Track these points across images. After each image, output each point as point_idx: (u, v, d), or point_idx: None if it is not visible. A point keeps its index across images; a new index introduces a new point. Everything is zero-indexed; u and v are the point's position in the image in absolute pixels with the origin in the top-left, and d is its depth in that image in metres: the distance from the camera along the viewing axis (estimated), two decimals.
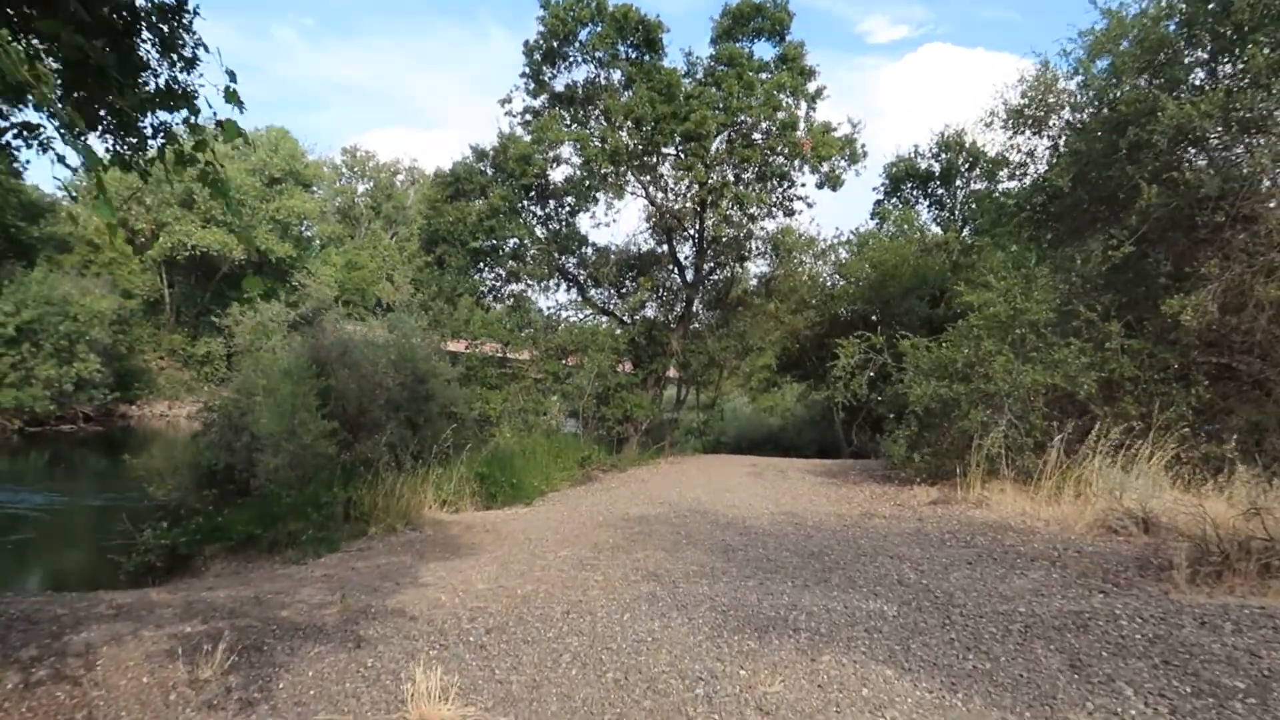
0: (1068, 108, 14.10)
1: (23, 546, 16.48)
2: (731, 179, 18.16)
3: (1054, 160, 13.97)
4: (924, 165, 25.60)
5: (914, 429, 12.49)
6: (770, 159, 18.19)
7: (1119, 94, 12.31)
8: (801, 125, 17.30)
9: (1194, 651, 4.82)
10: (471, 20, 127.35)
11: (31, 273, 35.20)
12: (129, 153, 4.52)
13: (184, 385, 42.92)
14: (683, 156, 17.03)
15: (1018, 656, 4.82)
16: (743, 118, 17.23)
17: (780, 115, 16.87)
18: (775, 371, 26.39)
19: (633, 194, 19.59)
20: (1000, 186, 24.82)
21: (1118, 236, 11.11)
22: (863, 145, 18.11)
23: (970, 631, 5.29)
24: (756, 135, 17.66)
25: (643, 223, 21.04)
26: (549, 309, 20.19)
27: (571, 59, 18.48)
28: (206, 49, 4.50)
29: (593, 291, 20.65)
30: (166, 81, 4.43)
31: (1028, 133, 14.79)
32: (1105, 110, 12.71)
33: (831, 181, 18.47)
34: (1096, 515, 9.27)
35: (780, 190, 19.12)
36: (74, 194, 51.95)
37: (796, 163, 18.21)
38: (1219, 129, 10.28)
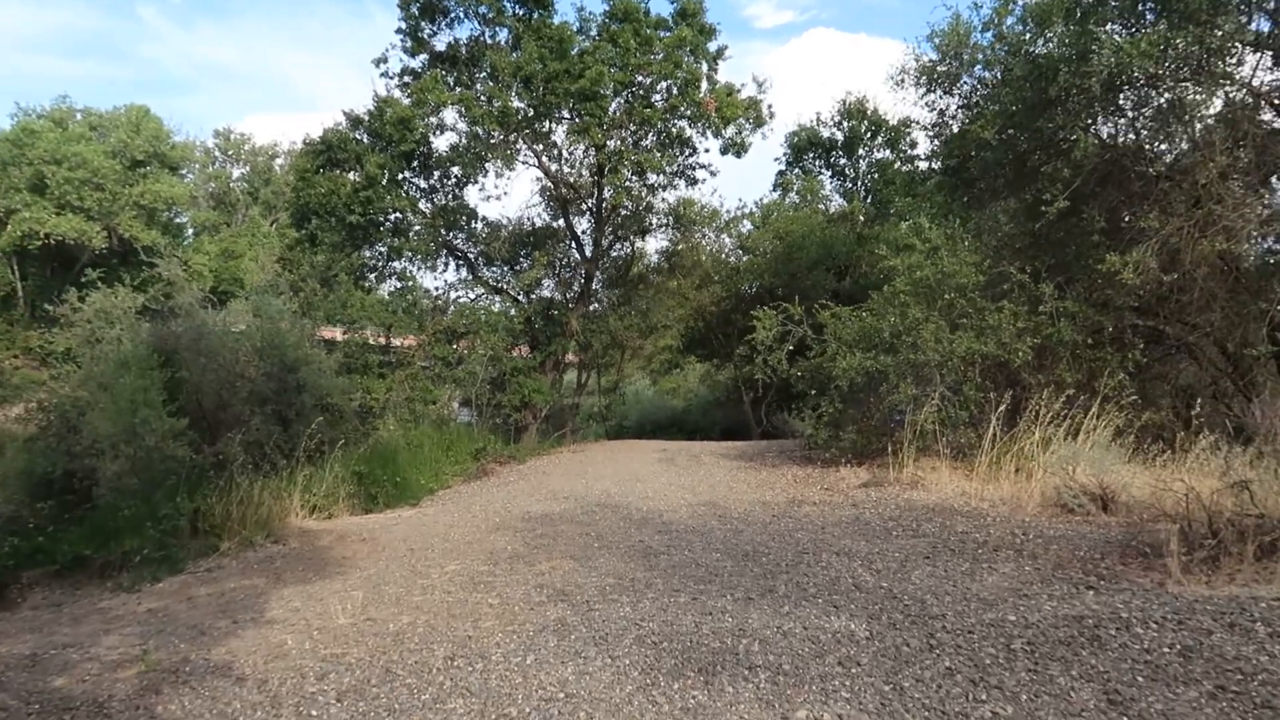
0: (979, 64, 13.34)
1: None
2: (630, 145, 16.89)
3: (969, 118, 13.23)
4: (826, 134, 24.88)
5: (837, 405, 11.52)
6: (671, 122, 17.01)
7: (1043, 42, 11.59)
8: (704, 85, 16.15)
9: (1243, 669, 3.84)
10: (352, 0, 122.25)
11: None
12: None
13: (42, 385, 39.26)
14: (578, 120, 15.65)
15: (1040, 691, 3.74)
16: (640, 77, 15.97)
17: (681, 73, 15.67)
18: (678, 352, 25.41)
19: (524, 164, 18.15)
20: (906, 154, 24.41)
21: (1050, 191, 10.32)
22: (769, 107, 17.12)
23: (967, 656, 4.19)
24: (656, 97, 16.43)
25: (536, 196, 19.65)
26: (437, 289, 18.58)
27: (453, 14, 16.86)
28: None
29: (484, 270, 19.12)
30: None
31: (938, 91, 14.01)
32: (1023, 64, 11.98)
33: (736, 147, 17.42)
34: (1048, 494, 8.45)
35: (682, 158, 17.98)
36: None
37: (699, 126, 17.08)
38: (1156, 70, 9.54)
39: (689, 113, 16.10)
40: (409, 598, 5.87)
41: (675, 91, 15.92)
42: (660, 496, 10.33)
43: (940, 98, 13.99)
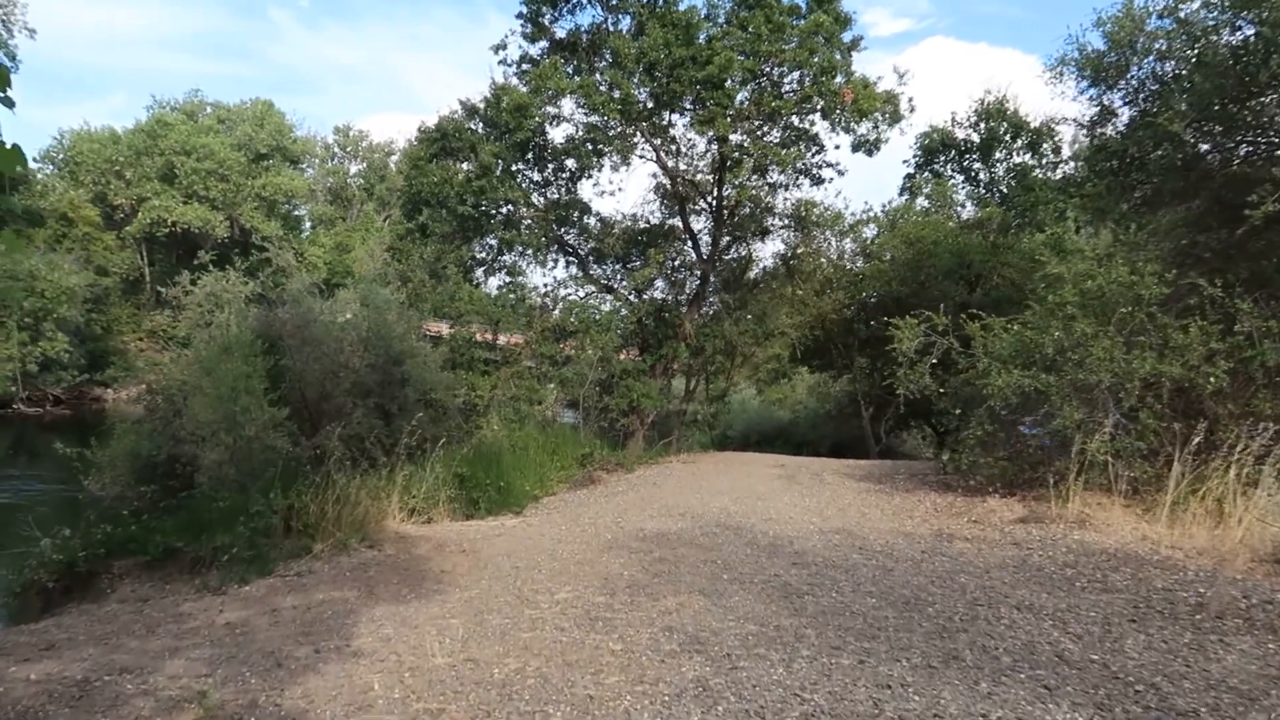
0: (1152, 54, 11.88)
1: None
2: (755, 139, 15.87)
3: (1141, 112, 11.81)
4: (961, 135, 23.31)
5: (986, 427, 10.26)
6: (803, 116, 15.94)
7: (1244, 24, 10.14)
8: (839, 76, 14.99)
9: None
10: (467, 3, 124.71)
11: None
12: None
13: (154, 367, 40.54)
14: (702, 110, 14.73)
15: None
16: (770, 66, 14.95)
17: (815, 60, 14.57)
18: (789, 361, 24.22)
19: (641, 158, 17.29)
20: (1049, 158, 22.68)
21: (1258, 192, 8.88)
22: (910, 100, 15.84)
23: None
24: (787, 87, 15.38)
25: (650, 193, 18.78)
26: (545, 286, 17.92)
27: (575, 0, 16.19)
28: None
29: (594, 268, 18.39)
30: None
31: (1102, 85, 12.62)
32: (1217, 49, 10.53)
33: (869, 144, 16.22)
34: (1259, 546, 7.09)
35: (808, 155, 16.86)
36: (53, 164, 49.65)
37: (831, 121, 15.94)
38: None
39: (822, 104, 14.99)
40: (515, 633, 5.03)
41: (809, 81, 14.83)
42: (786, 519, 9.30)
43: (1103, 92, 12.62)
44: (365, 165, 64.61)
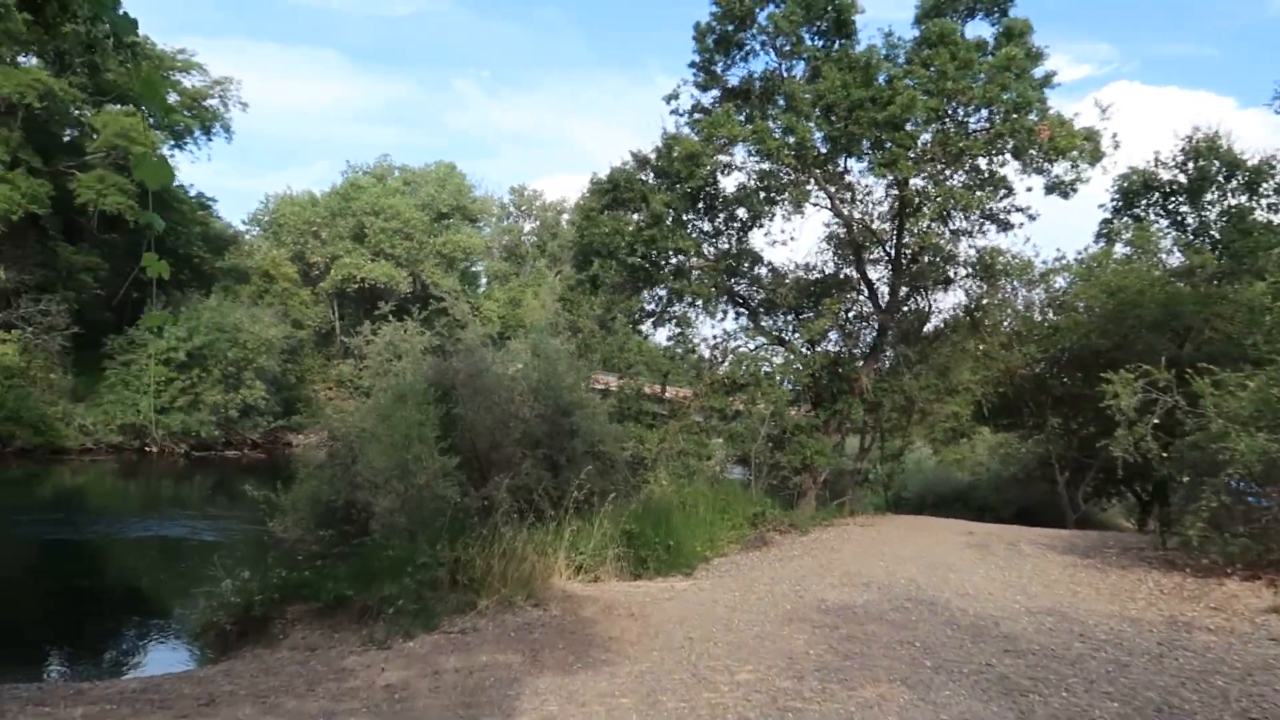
0: None
1: (134, 583, 15.15)
2: (937, 183, 14.96)
3: None
4: (1166, 176, 21.38)
5: (1223, 498, 8.89)
6: (992, 157, 14.94)
7: None
8: (1033, 112, 13.92)
9: None
10: (637, 67, 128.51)
11: (206, 300, 35.73)
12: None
13: (336, 414, 42.67)
14: (881, 153, 14.01)
15: None
16: (956, 105, 14.09)
17: (1007, 96, 13.59)
18: (970, 420, 22.66)
19: (815, 205, 16.68)
20: (1264, 200, 20.48)
21: None
22: (1114, 137, 14.54)
23: None
24: (973, 126, 14.46)
25: (823, 242, 18.08)
26: (714, 338, 17.42)
27: (748, 47, 15.89)
28: None
29: (765, 319, 17.78)
30: None
31: None
32: None
33: (1065, 186, 14.97)
34: None
35: (995, 199, 15.76)
36: (259, 226, 54.06)
37: (1020, 164, 14.85)
38: None
39: (1014, 144, 13.95)
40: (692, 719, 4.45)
41: (999, 119, 13.85)
42: (986, 596, 8.30)
43: None
44: (538, 223, 66.95)
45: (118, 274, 35.57)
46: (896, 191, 15.41)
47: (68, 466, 29.07)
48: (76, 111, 33.94)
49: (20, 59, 32.32)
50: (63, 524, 19.57)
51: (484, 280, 60.48)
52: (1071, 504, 19.05)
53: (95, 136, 33.17)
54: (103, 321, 34.45)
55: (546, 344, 13.42)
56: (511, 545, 8.33)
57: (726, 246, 17.39)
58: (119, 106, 32.74)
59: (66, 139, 35.09)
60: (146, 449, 33.33)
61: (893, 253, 16.66)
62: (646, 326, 17.68)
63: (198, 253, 39.35)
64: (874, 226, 16.72)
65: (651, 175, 16.80)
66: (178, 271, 37.68)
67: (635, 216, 16.46)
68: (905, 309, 17.66)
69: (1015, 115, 13.64)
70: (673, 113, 16.75)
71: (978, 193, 14.96)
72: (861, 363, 16.62)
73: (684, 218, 16.35)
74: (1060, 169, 14.76)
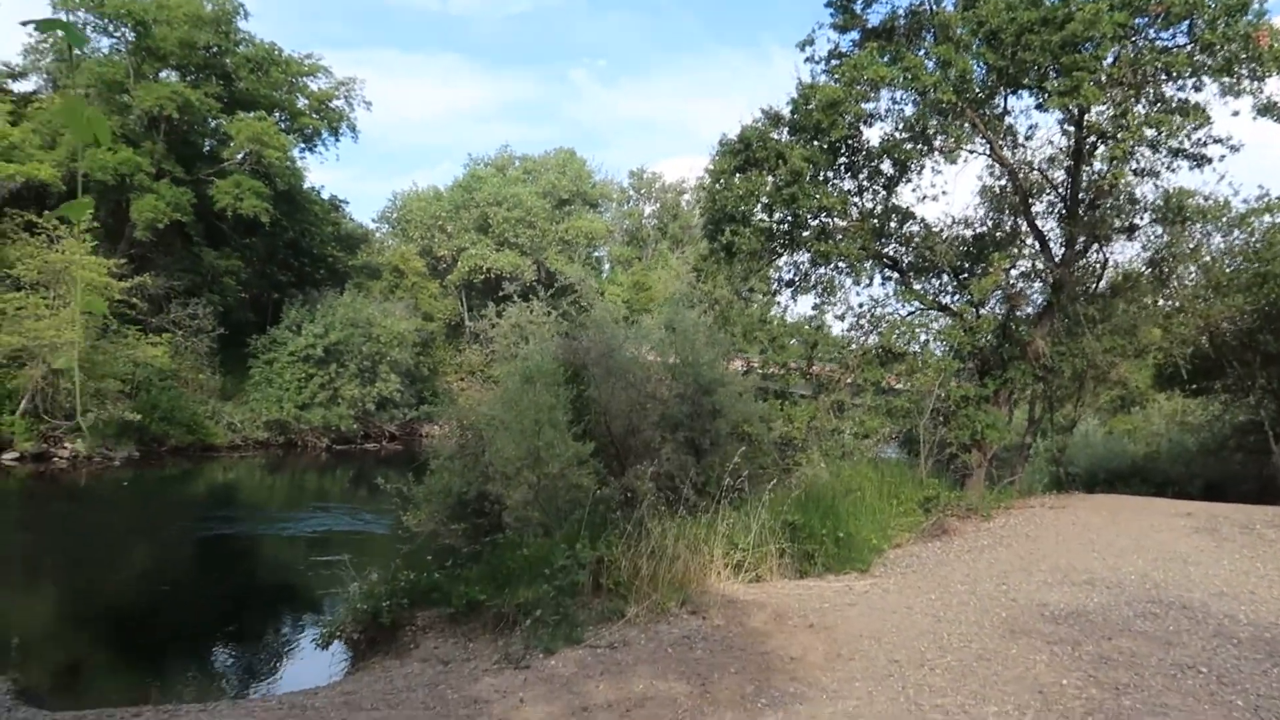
0: None
1: (274, 582, 14.89)
2: (1120, 113, 12.95)
3: None
4: None
5: None
6: (1176, 82, 12.85)
7: None
8: (1248, 13, 11.76)
9: None
10: (753, 45, 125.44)
11: (341, 296, 36.34)
12: None
13: (464, 403, 42.96)
14: (1059, 81, 12.16)
15: None
16: (1149, 18, 12.10)
17: (1212, 3, 11.52)
18: (1150, 385, 20.26)
19: (972, 152, 14.89)
20: None
21: None
22: None
23: None
24: (1166, 40, 12.41)
25: (976, 196, 16.24)
26: (861, 305, 15.87)
27: None
28: None
29: (918, 283, 16.09)
30: None
31: None
32: None
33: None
34: None
35: (1188, 128, 13.59)
36: (388, 224, 55.12)
37: (1221, 88, 12.68)
38: None
39: (1223, 56, 11.85)
40: None
41: (1204, 27, 11.79)
42: (1247, 595, 6.66)
43: None
44: (658, 205, 65.92)
45: (258, 276, 36.62)
46: (1072, 127, 13.52)
47: (218, 463, 29.91)
48: (213, 122, 34.90)
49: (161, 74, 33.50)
50: (213, 520, 19.80)
51: (607, 265, 59.93)
52: None
53: (231, 143, 34.05)
54: (246, 322, 35.50)
55: (683, 317, 12.28)
56: (661, 542, 7.22)
57: (870, 205, 15.80)
58: (251, 114, 33.45)
59: (205, 149, 36.21)
60: (291, 444, 34.18)
61: (1066, 199, 14.72)
62: (783, 297, 16.30)
63: (331, 252, 40.14)
64: (1044, 171, 14.83)
65: (785, 133, 15.38)
66: (313, 270, 38.66)
67: (770, 178, 15.10)
68: (1080, 263, 15.66)
69: (1226, 22, 11.56)
70: (807, 60, 15.23)
71: (1175, 117, 12.88)
72: (1034, 324, 14.77)
73: (823, 175, 14.87)
74: (1276, 84, 12.57)
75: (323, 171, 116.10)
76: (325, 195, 42.36)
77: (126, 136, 31.03)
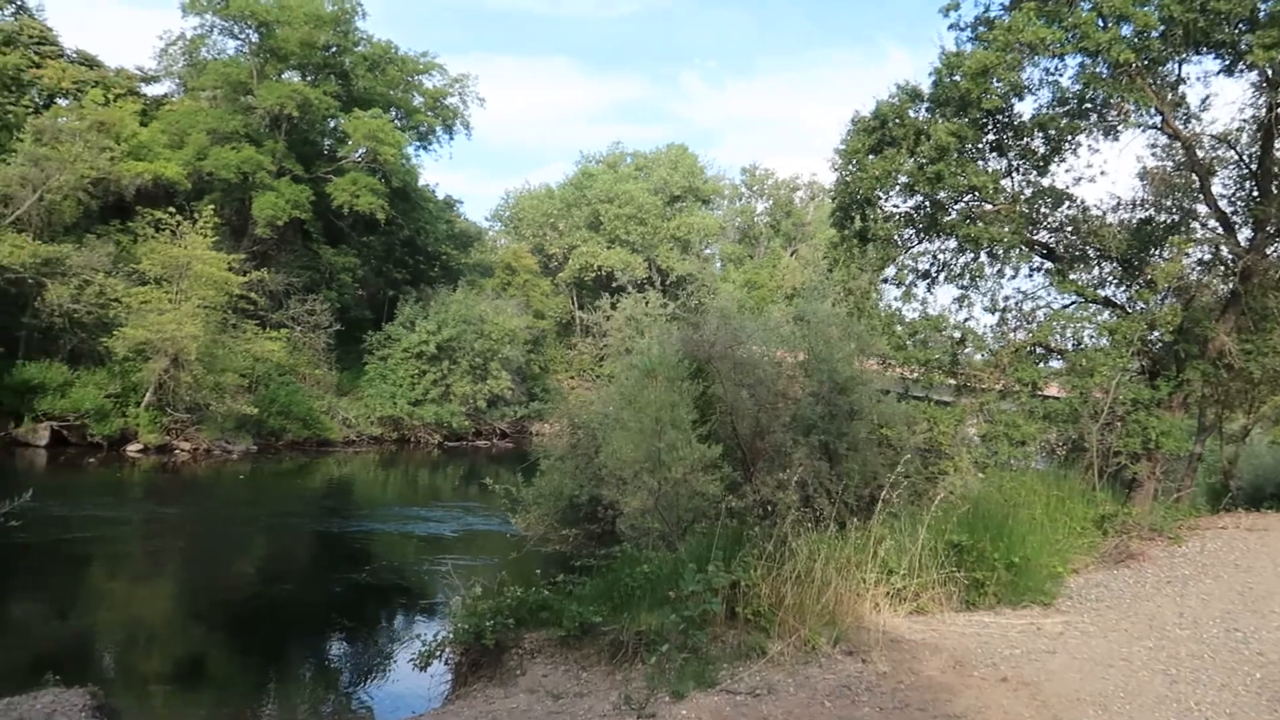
0: None
1: (381, 586, 14.37)
2: None
3: None
4: None
5: None
6: None
7: None
8: None
9: None
10: (868, 43, 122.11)
11: (454, 294, 36.36)
12: None
13: (577, 401, 42.43)
14: (1261, 32, 10.48)
15: None
16: None
17: None
18: None
19: (1139, 127, 13.20)
20: None
21: None
22: None
23: None
24: None
25: (1133, 178, 14.49)
26: (1011, 297, 14.35)
27: None
28: None
29: (1076, 272, 14.41)
30: None
31: None
32: None
33: None
34: None
35: None
36: (500, 222, 55.44)
37: None
38: None
39: None
40: None
41: None
42: None
43: None
44: (771, 202, 64.34)
45: (374, 273, 37.00)
46: (1266, 90, 11.74)
47: (332, 458, 30.20)
48: (331, 120, 35.43)
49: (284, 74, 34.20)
50: (326, 516, 19.73)
51: (719, 263, 58.69)
52: None
53: (348, 141, 34.44)
54: (362, 319, 35.93)
55: (815, 310, 11.12)
56: (808, 565, 6.10)
57: (1020, 189, 14.23)
58: (367, 112, 33.74)
59: (324, 147, 36.83)
60: (404, 440, 34.36)
61: (1256, 175, 12.88)
62: (920, 289, 14.87)
63: (445, 250, 40.31)
64: (1228, 144, 13.03)
65: (923, 110, 13.98)
66: (427, 268, 38.86)
67: (908, 159, 13.74)
68: (1272, 248, 13.73)
69: None
70: (951, 27, 13.79)
71: None
72: (1217, 318, 12.97)
73: (973, 150, 13.42)
74: None
75: (437, 173, 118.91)
76: (440, 195, 42.68)
77: (250, 135, 31.71)
